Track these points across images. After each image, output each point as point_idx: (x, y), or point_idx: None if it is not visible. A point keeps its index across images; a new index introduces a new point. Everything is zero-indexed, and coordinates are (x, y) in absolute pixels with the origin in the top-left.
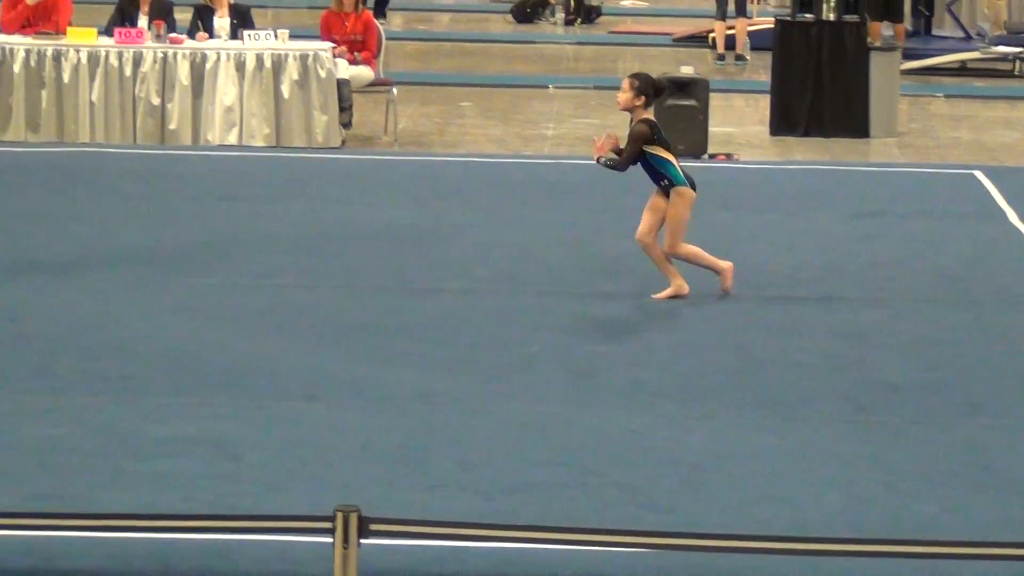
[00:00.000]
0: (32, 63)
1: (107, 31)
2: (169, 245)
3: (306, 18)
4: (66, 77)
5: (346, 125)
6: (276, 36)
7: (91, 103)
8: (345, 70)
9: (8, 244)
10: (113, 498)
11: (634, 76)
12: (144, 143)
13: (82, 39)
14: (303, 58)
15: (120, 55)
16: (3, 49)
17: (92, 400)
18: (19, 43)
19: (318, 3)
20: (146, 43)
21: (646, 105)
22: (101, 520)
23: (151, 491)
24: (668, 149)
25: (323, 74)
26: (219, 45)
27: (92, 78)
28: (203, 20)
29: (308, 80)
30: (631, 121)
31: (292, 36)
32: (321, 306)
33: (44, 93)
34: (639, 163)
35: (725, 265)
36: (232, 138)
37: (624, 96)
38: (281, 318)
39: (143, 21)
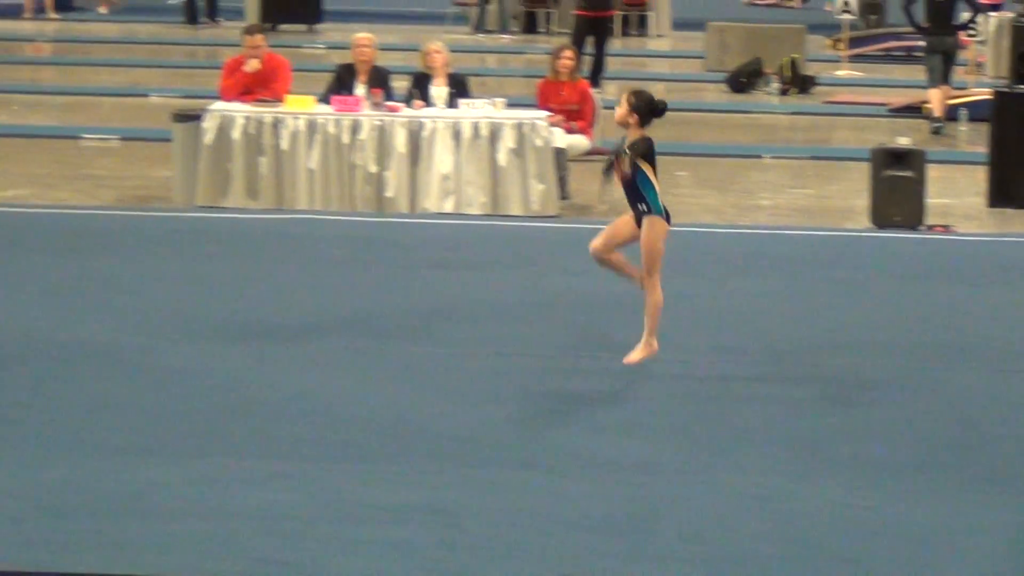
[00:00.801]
0: (251, 130)
1: (325, 99)
2: (386, 313)
3: (522, 87)
4: (284, 144)
5: (563, 196)
6: (493, 105)
7: (309, 170)
8: (561, 139)
9: (229, 311)
10: (337, 565)
11: (633, 93)
12: (362, 210)
13: (300, 107)
14: (519, 127)
15: (338, 123)
16: (223, 116)
17: (313, 466)
18: (238, 111)
19: (534, 72)
20: (363, 111)
21: (640, 124)
22: None
23: (374, 558)
24: (656, 175)
25: (539, 143)
26: (436, 113)
27: (310, 145)
28: (420, 88)
29: (524, 149)
30: (625, 138)
31: (508, 105)
32: (539, 374)
33: (263, 160)
34: (624, 181)
35: (653, 344)
36: (449, 206)
37: (620, 111)
38: (499, 386)
39: (360, 89)
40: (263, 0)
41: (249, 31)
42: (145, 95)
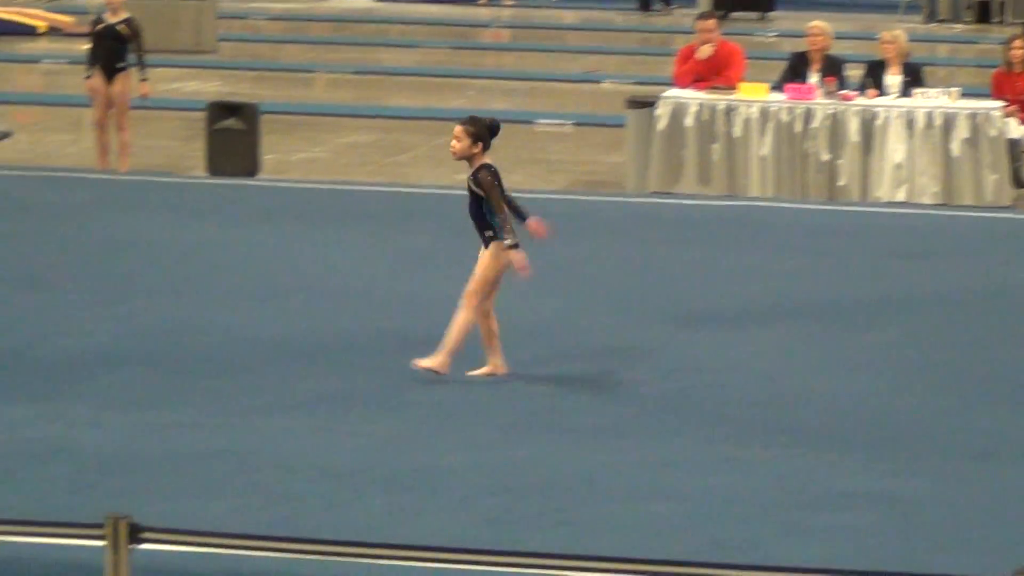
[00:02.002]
0: (704, 117)
1: (778, 87)
2: (840, 300)
3: (975, 77)
4: (737, 131)
5: (1018, 185)
6: (947, 95)
7: (761, 158)
8: (1015, 130)
9: (681, 296)
10: (787, 548)
11: (467, 123)
12: (814, 198)
13: (754, 94)
14: (973, 117)
15: (791, 111)
16: (676, 103)
17: (766, 452)
18: (691, 97)
19: (987, 62)
20: (817, 99)
21: (484, 150)
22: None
23: (825, 544)
24: (505, 200)
25: (993, 133)
26: (889, 103)
27: (762, 133)
28: (875, 77)
29: (978, 139)
30: (471, 170)
31: (963, 95)
32: (994, 364)
33: (715, 147)
34: (470, 210)
35: (444, 360)
36: (901, 195)
37: (461, 145)
38: (955, 375)
39: (814, 78)
40: None
41: (702, 18)
42: (598, 81)
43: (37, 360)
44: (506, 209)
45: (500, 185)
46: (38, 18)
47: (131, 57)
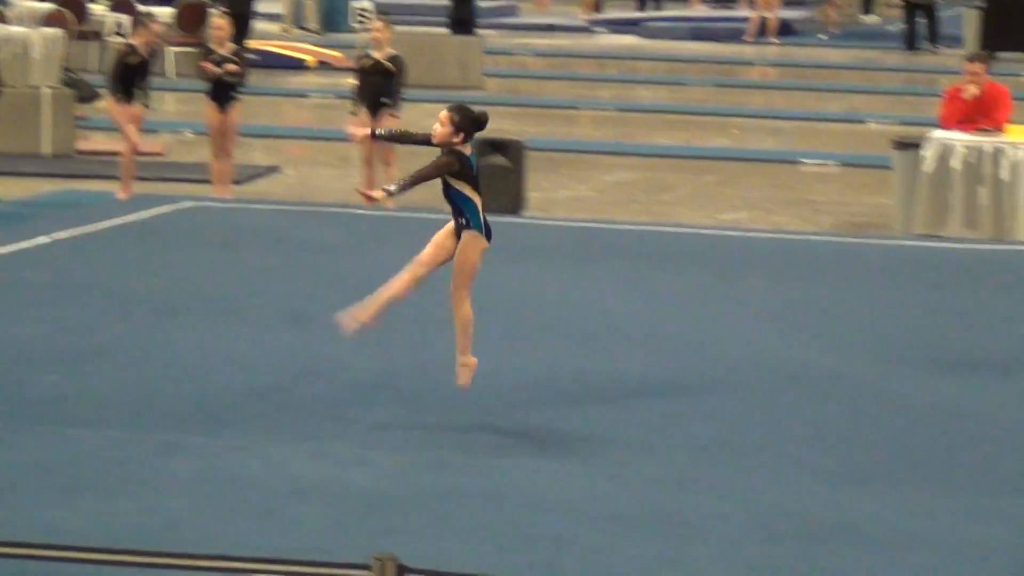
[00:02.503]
0: (971, 159)
1: None
2: None
3: None
4: (1005, 175)
5: None
6: None
7: None
8: None
9: (946, 340)
10: None
11: (453, 110)
12: None
13: (1021, 137)
14: None
15: None
16: (942, 144)
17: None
18: (958, 139)
19: None
20: None
21: (464, 142)
22: None
23: None
24: (476, 191)
25: None
26: None
27: None
28: None
29: None
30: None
31: None
32: None
33: (982, 190)
34: (444, 194)
35: (470, 360)
36: None
37: (443, 131)
38: None
39: None
40: (984, 27)
41: (970, 59)
42: (863, 121)
43: (300, 397)
44: (412, 184)
45: (469, 177)
46: (307, 53)
47: (392, 92)
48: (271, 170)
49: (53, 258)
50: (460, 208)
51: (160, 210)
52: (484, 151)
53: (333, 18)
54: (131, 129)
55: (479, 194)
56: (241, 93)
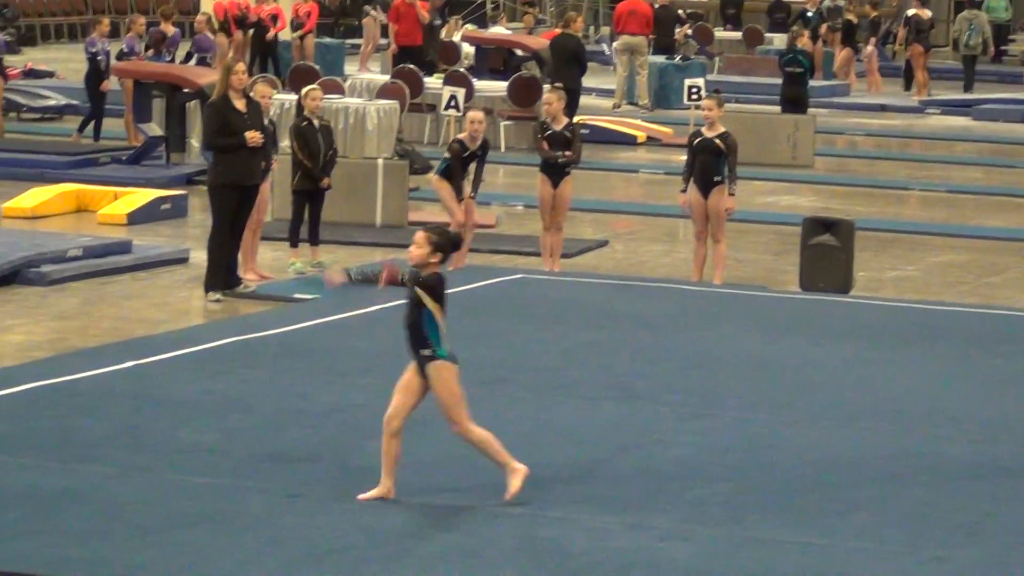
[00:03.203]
0: None
1: None
2: None
3: None
4: None
5: None
6: None
7: None
8: None
9: None
10: None
11: (432, 231)
12: None
13: None
14: None
15: None
16: None
17: None
18: None
19: None
20: None
21: (441, 262)
22: None
23: None
24: (443, 314)
25: None
26: None
27: None
28: None
29: None
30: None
31: None
32: None
33: None
34: (406, 322)
35: (518, 467)
36: None
37: (420, 252)
38: None
39: None
40: None
41: None
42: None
43: (623, 470)
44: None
45: (443, 301)
46: (638, 128)
47: (725, 171)
48: (600, 244)
49: (382, 326)
50: (424, 336)
51: (490, 282)
52: (814, 230)
53: (665, 94)
54: (456, 204)
55: (444, 319)
56: (573, 167)
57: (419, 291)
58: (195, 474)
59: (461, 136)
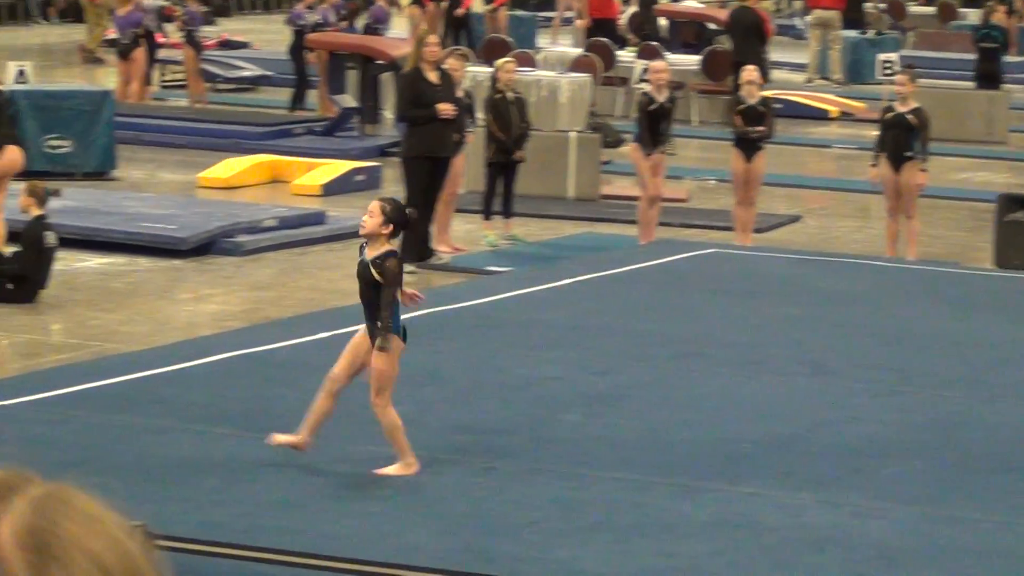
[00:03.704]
0: None
1: None
2: None
3: None
4: None
5: None
6: None
7: None
8: None
9: None
10: None
11: (386, 201)
12: None
13: None
14: None
15: None
16: None
17: None
18: None
19: None
20: None
21: (392, 235)
22: None
23: None
24: (401, 292)
25: None
26: None
27: None
28: None
29: None
30: (366, 250)
31: None
32: None
33: None
34: (363, 295)
35: (412, 462)
36: None
37: (372, 222)
38: None
39: None
40: None
41: None
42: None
43: (817, 446)
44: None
45: (399, 277)
46: (830, 103)
47: (917, 146)
48: (792, 219)
49: (575, 299)
50: (380, 311)
51: (681, 256)
52: (1009, 207)
53: (858, 69)
54: (650, 176)
55: (397, 298)
56: (766, 142)
57: (377, 273)
58: (389, 445)
59: (646, 88)
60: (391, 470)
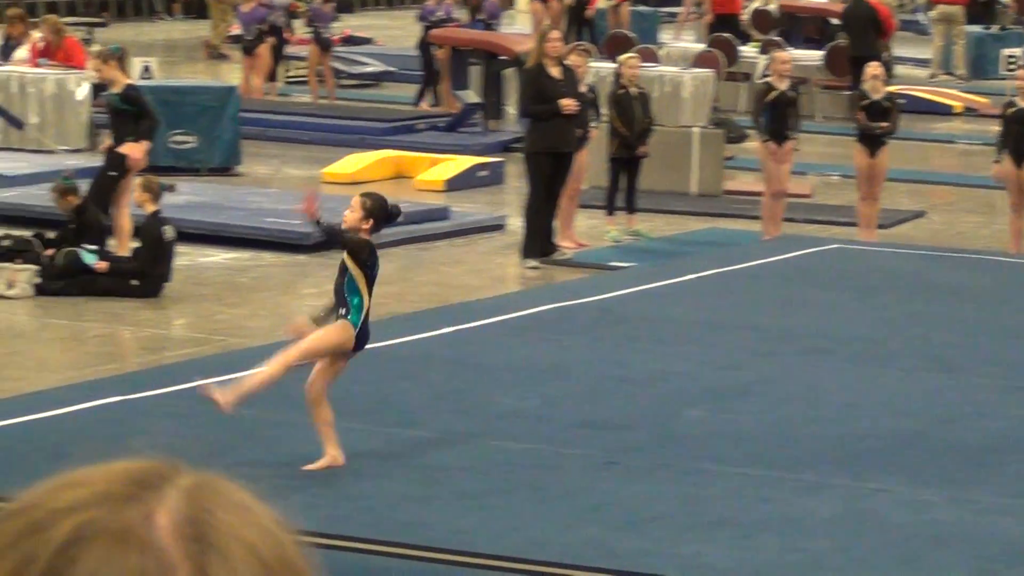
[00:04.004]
0: None
1: None
2: None
3: None
4: None
5: None
6: None
7: None
8: None
9: None
10: None
11: (366, 196)
12: None
13: None
14: None
15: None
16: None
17: None
18: None
19: None
20: None
21: (372, 230)
22: None
23: None
24: (368, 291)
25: None
26: None
27: None
28: None
29: None
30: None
31: None
32: None
33: None
34: (336, 283)
35: (336, 455)
36: None
37: (353, 216)
38: None
39: None
40: None
41: None
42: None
43: (943, 443)
44: (345, 242)
45: (369, 269)
46: (954, 98)
47: None
48: (916, 215)
49: (698, 295)
50: (345, 299)
51: (805, 251)
52: None
53: (981, 64)
54: (775, 172)
55: (369, 295)
56: (890, 138)
57: (345, 255)
58: (514, 439)
59: (768, 77)
60: (317, 465)
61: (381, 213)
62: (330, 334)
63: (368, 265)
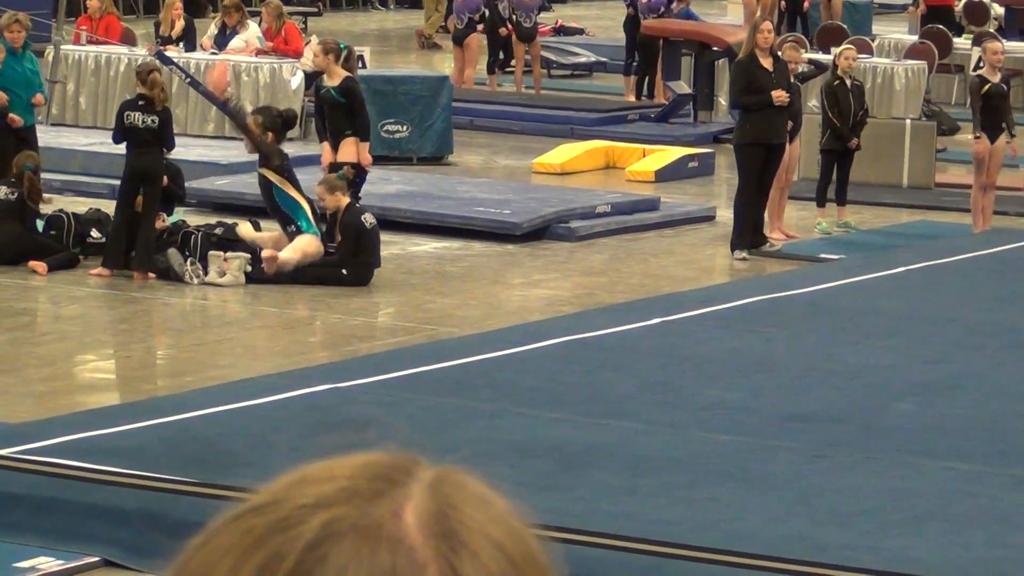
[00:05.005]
0: None
1: None
2: None
3: None
4: None
5: None
6: None
7: None
8: None
9: None
10: None
11: (256, 112)
12: None
13: None
14: None
15: None
16: None
17: None
18: None
19: None
20: None
21: (275, 142)
22: None
23: None
24: (301, 194)
25: None
26: None
27: None
28: None
29: None
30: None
31: None
32: None
33: None
34: (265, 200)
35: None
36: None
37: (257, 134)
38: None
39: None
40: None
41: None
42: None
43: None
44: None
45: (292, 178)
46: None
47: None
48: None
49: (908, 288)
50: (285, 214)
51: (1016, 245)
52: None
53: None
54: (985, 164)
55: (304, 197)
56: None
57: (261, 169)
58: (721, 431)
59: (980, 71)
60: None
61: (278, 123)
62: (307, 251)
63: (286, 168)
